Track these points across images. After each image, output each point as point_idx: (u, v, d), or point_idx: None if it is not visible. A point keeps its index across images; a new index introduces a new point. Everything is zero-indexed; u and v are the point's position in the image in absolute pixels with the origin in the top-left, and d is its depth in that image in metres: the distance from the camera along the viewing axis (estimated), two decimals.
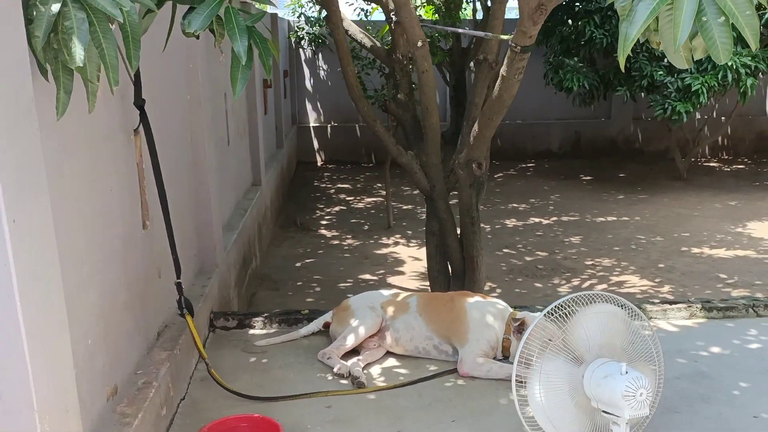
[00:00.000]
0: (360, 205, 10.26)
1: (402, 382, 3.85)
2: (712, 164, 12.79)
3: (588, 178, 11.78)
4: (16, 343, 2.00)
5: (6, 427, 2.07)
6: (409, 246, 8.11)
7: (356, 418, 3.50)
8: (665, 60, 9.55)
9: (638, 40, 1.99)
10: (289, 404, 3.62)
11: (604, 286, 6.68)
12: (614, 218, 9.16)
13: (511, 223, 8.78)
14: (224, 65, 2.56)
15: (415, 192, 11.06)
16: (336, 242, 8.35)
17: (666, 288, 6.52)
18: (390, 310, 4.21)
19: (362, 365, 3.99)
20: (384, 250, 7.97)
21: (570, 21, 10.17)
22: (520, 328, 4.00)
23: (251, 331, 4.54)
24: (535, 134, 13.48)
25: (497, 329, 4.02)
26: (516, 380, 2.77)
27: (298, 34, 12.77)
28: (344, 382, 3.87)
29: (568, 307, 2.81)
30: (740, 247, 7.81)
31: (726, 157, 13.28)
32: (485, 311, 4.08)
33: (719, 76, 9.14)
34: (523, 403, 2.72)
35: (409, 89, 5.73)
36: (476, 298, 4.18)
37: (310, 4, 12.55)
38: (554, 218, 9.23)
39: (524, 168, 12.74)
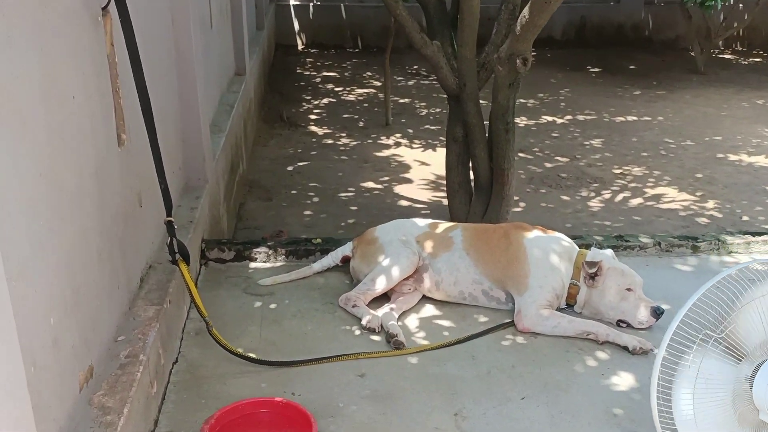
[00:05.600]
0: (351, 97, 9.24)
1: (449, 340, 3.10)
2: (727, 56, 11.88)
3: (596, 69, 10.84)
4: None
5: None
6: (412, 148, 7.22)
7: (400, 393, 2.76)
8: None
9: None
10: (310, 371, 2.87)
11: (639, 200, 5.93)
12: (635, 117, 8.32)
13: (522, 122, 7.87)
14: None
15: (410, 83, 10.07)
16: (329, 141, 7.41)
17: (711, 204, 5.79)
18: (428, 245, 3.40)
19: (396, 315, 3.23)
20: (385, 152, 7.08)
21: None
22: (595, 273, 3.24)
23: (252, 265, 3.74)
24: None
25: (563, 272, 3.27)
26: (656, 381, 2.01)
27: None
28: (376, 338, 3.12)
29: (724, 286, 2.02)
30: None
31: (740, 48, 12.36)
32: (549, 250, 3.30)
33: None
34: (664, 413, 1.97)
35: None
36: (536, 233, 3.39)
37: None
38: (569, 117, 8.36)
39: None
